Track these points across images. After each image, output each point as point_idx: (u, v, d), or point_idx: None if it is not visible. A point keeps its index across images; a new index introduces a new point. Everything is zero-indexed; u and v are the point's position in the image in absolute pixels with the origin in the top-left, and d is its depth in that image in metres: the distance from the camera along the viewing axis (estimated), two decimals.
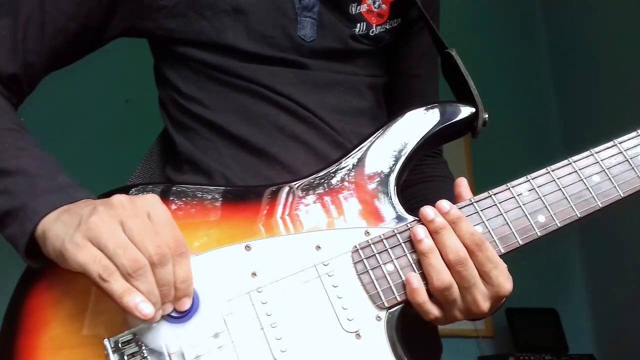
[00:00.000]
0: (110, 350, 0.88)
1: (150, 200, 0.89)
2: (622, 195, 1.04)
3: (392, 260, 0.98)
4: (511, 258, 1.03)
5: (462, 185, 1.04)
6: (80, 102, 3.25)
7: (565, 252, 3.87)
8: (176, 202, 1.02)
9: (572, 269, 3.95)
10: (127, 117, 3.24)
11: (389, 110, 1.27)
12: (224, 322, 0.92)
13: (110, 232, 0.84)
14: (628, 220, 3.05)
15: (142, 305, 0.83)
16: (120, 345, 0.88)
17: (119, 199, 0.88)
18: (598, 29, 3.80)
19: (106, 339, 0.89)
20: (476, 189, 1.04)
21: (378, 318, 0.96)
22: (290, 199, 1.03)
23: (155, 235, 0.85)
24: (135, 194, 1.02)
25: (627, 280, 3.54)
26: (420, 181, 1.27)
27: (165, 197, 1.02)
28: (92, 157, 3.12)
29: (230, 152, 1.12)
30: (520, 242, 1.00)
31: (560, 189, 1.03)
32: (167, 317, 0.88)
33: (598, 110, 3.70)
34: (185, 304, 0.88)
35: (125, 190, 1.04)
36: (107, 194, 1.02)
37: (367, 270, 0.97)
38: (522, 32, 4.26)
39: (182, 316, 0.89)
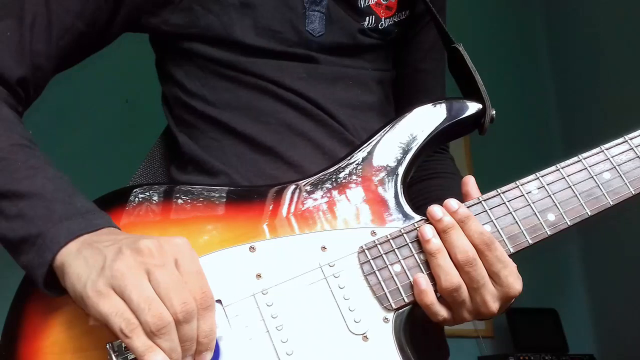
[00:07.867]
0: (112, 355, 0.86)
1: (180, 245, 0.85)
2: (634, 192, 1.02)
3: (400, 261, 0.96)
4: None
5: (470, 183, 1.02)
6: (81, 102, 3.23)
7: (565, 252, 3.87)
8: (179, 202, 1.00)
9: (572, 269, 3.94)
10: (127, 117, 3.24)
11: (396, 105, 1.24)
12: None
13: (135, 283, 0.81)
14: (628, 220, 3.04)
15: None
16: (123, 349, 0.86)
17: (146, 244, 0.83)
18: (598, 28, 3.79)
19: (109, 343, 0.87)
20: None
21: (385, 320, 0.94)
22: (295, 199, 1.01)
23: (182, 288, 0.82)
24: (139, 195, 1.01)
25: (627, 280, 3.53)
26: (427, 177, 1.25)
27: (168, 197, 1.01)
28: (93, 157, 3.11)
29: (235, 151, 1.09)
30: (530, 242, 0.99)
31: (570, 186, 1.01)
32: None
33: (598, 109, 3.69)
34: (206, 358, 0.86)
35: (128, 191, 1.02)
36: (111, 196, 1.01)
37: (374, 271, 0.96)
38: (522, 31, 4.26)
39: None
